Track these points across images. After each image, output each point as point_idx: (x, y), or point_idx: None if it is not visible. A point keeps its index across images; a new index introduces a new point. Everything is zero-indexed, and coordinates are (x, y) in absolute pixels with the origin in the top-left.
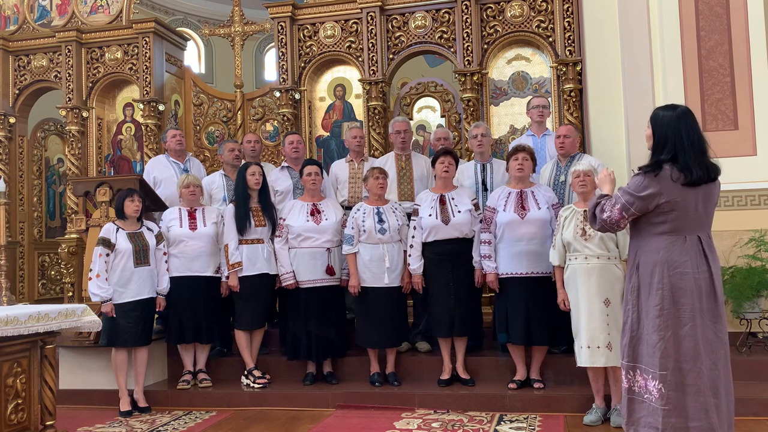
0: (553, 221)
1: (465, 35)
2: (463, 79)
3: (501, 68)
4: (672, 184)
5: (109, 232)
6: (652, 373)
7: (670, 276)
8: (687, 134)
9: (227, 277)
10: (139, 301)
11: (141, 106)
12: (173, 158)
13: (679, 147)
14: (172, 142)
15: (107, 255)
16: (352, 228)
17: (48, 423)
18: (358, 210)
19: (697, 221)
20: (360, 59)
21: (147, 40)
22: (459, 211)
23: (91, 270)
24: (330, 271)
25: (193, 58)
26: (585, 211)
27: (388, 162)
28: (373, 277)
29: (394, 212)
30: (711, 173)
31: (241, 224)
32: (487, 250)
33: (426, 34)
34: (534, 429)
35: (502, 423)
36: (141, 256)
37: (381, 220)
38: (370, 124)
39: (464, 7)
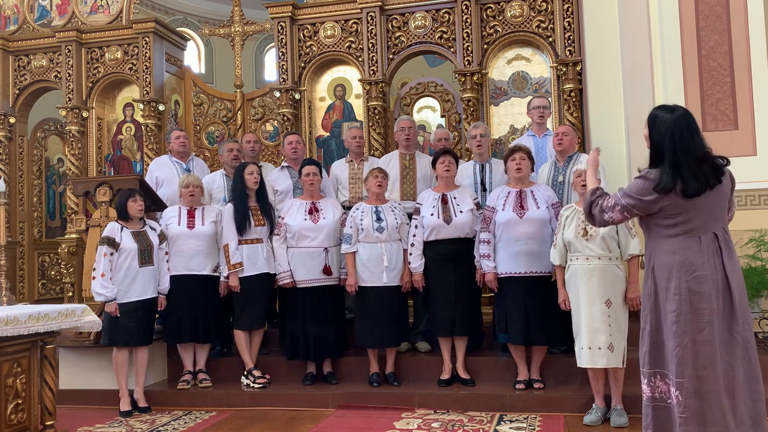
0: (552, 221)
1: (465, 35)
2: (463, 79)
3: (501, 68)
4: (674, 195)
5: (114, 231)
6: (672, 379)
7: (687, 281)
8: (681, 142)
9: (227, 277)
10: (143, 300)
11: (141, 106)
12: (176, 158)
13: (674, 158)
14: (175, 143)
15: (111, 254)
16: (351, 227)
17: (48, 423)
18: (357, 209)
19: (710, 220)
20: (360, 59)
21: (147, 40)
22: (461, 211)
23: (94, 269)
24: (327, 270)
25: (193, 58)
26: None
27: (391, 161)
28: (372, 276)
29: (392, 211)
30: (711, 180)
31: (241, 224)
32: (486, 249)
33: (426, 34)
34: (534, 429)
35: (502, 423)
36: (146, 255)
37: (379, 219)
38: (370, 124)
39: (464, 7)
